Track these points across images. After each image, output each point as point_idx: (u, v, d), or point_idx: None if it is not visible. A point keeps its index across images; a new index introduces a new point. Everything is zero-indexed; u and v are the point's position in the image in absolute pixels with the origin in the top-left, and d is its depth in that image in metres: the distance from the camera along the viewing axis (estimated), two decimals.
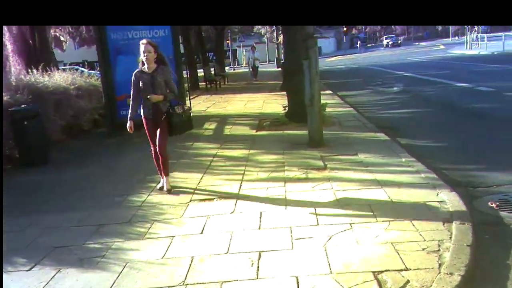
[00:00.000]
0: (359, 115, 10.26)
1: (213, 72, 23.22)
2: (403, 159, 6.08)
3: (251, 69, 26.05)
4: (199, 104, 15.09)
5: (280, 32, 33.61)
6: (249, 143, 8.10)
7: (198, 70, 22.29)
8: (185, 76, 21.08)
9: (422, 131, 8.49)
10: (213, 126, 10.47)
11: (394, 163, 5.96)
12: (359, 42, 69.36)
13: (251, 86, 21.58)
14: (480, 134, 7.61)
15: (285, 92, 17.12)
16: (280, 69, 37.99)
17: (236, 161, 6.86)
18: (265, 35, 57.39)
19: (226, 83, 24.44)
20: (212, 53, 36.67)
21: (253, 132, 9.19)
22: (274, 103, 13.60)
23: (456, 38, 69.30)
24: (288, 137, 8.25)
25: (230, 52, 56.01)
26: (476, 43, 35.08)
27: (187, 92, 13.58)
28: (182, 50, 22.10)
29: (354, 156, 6.51)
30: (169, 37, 9.26)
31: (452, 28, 76.51)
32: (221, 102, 15.48)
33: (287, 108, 9.90)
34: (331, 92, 15.25)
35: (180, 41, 20.70)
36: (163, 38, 9.15)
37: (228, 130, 9.77)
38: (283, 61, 9.17)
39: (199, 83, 21.21)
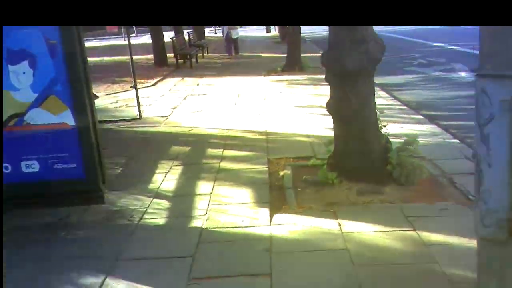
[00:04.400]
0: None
1: (187, 39, 17.36)
2: None
3: (225, 43, 18.43)
4: (161, 99, 9.59)
5: None
6: (265, 267, 2.89)
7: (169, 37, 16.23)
8: (149, 43, 15.20)
9: None
10: (174, 179, 4.90)
11: None
12: None
13: (240, 62, 15.98)
14: None
15: (295, 76, 11.67)
16: (268, 33, 32.13)
17: None
18: None
19: (206, 54, 18.70)
20: None
21: (266, 215, 3.91)
22: (284, 103, 8.32)
23: None
24: (358, 248, 3.07)
25: None
26: None
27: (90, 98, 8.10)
28: None
29: None
30: None
31: None
32: (197, 94, 9.99)
33: (333, 148, 4.63)
34: None
35: None
36: None
37: (207, 198, 4.37)
38: (323, 52, 4.06)
39: (167, 57, 15.41)
